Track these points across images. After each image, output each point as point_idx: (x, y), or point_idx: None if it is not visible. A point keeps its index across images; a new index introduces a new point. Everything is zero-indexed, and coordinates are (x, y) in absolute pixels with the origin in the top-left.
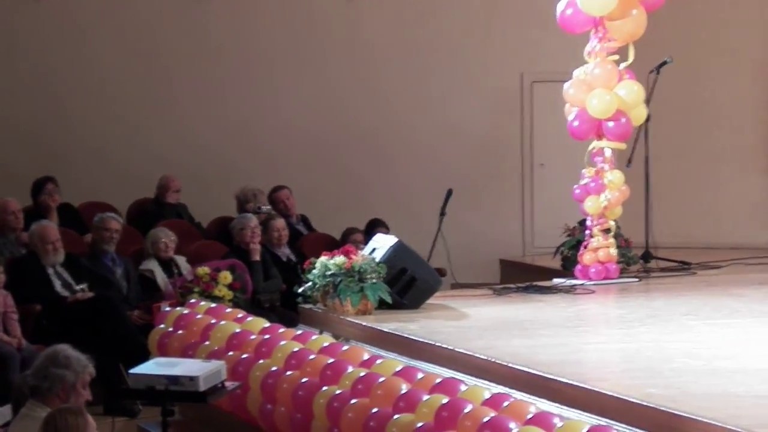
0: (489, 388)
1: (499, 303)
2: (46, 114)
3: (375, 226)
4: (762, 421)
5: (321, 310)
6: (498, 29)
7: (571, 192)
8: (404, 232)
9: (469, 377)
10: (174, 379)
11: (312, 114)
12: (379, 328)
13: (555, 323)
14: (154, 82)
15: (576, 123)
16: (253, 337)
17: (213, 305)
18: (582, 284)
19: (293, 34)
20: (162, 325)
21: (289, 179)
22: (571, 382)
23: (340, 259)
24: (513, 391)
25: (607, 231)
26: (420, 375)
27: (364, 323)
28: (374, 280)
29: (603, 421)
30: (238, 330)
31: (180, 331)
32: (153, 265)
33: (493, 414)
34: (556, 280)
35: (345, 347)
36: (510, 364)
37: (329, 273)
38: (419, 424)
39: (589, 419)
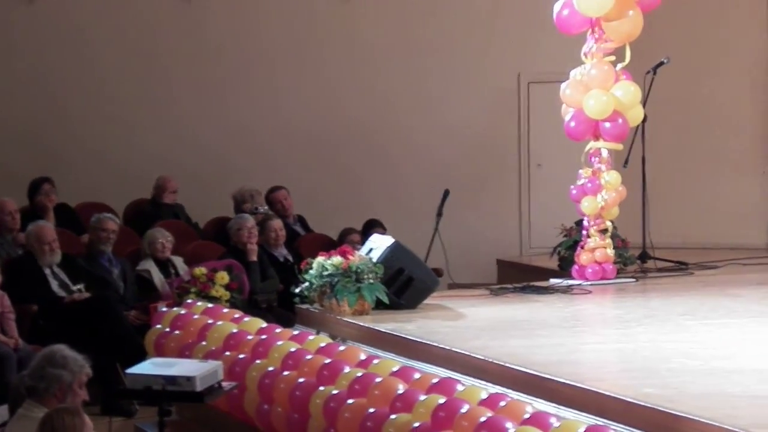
0: (486, 388)
1: (496, 303)
2: (43, 114)
3: (372, 227)
4: (759, 421)
5: (318, 311)
6: (495, 30)
7: (568, 192)
8: (402, 232)
9: (466, 377)
10: (171, 379)
11: (311, 114)
12: (376, 328)
13: (552, 323)
14: (152, 82)
15: (573, 123)
16: (250, 337)
17: (210, 305)
18: (579, 284)
19: (292, 34)
20: (159, 326)
21: (288, 179)
22: (568, 382)
23: (337, 259)
24: (510, 391)
25: (604, 231)
26: (417, 375)
27: (361, 323)
28: (371, 281)
29: (600, 421)
30: (235, 330)
31: (177, 332)
32: (150, 266)
33: (489, 414)
34: (553, 281)
35: (342, 347)
36: (507, 364)
37: (326, 273)
38: (416, 424)
39: (586, 419)
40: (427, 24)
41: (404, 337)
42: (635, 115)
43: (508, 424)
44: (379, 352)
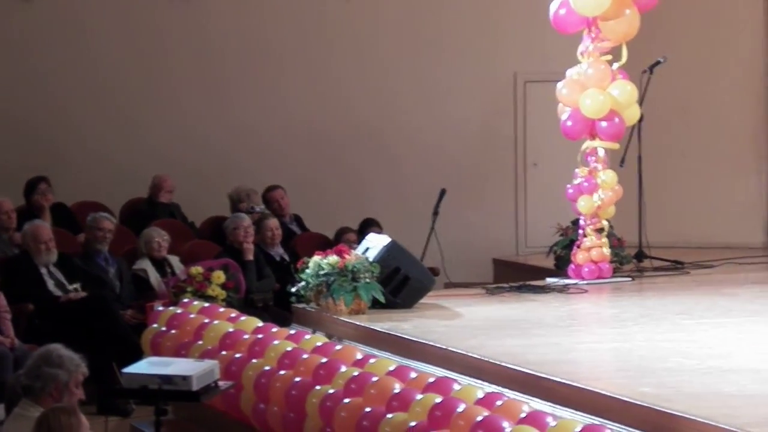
0: (482, 388)
1: (492, 302)
2: (40, 113)
3: (368, 226)
4: (755, 420)
5: (314, 310)
6: (491, 29)
7: (564, 191)
8: (400, 231)
9: (462, 376)
10: (167, 379)
11: (314, 112)
12: (372, 327)
13: (548, 323)
14: (154, 80)
15: (569, 123)
16: (246, 336)
17: (206, 305)
18: (575, 284)
19: (296, 33)
20: (155, 325)
21: (291, 178)
22: (564, 381)
23: (333, 258)
24: (506, 390)
25: (600, 230)
26: (413, 374)
27: (357, 323)
28: (367, 280)
29: (596, 421)
30: (231, 329)
31: (173, 331)
32: (146, 265)
33: (486, 413)
34: (549, 280)
35: (338, 347)
36: (503, 364)
37: (322, 272)
38: (412, 424)
39: (583, 418)
40: (424, 23)
41: (400, 337)
42: (631, 114)
43: (505, 424)
44: (376, 352)
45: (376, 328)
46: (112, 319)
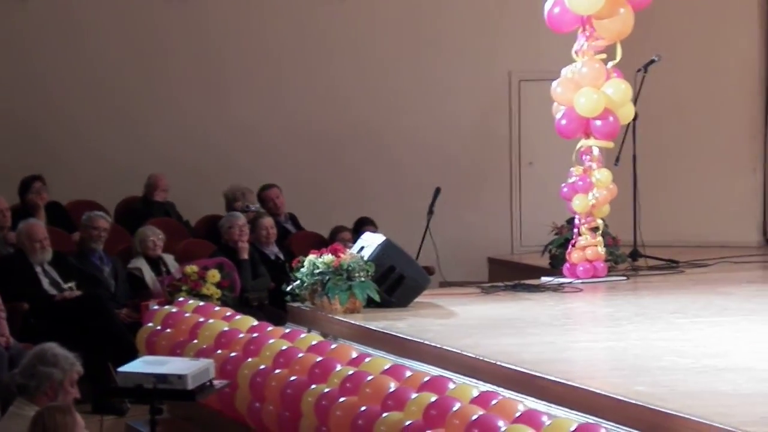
0: (477, 387)
1: (487, 301)
2: (37, 112)
3: (363, 225)
4: (750, 419)
5: (309, 309)
6: (486, 28)
7: (559, 190)
8: (397, 230)
9: (457, 375)
10: (162, 378)
11: (312, 111)
12: (367, 326)
13: (543, 321)
14: (152, 79)
15: (564, 121)
16: (241, 335)
17: (201, 303)
18: (570, 282)
19: (294, 32)
20: (150, 324)
21: (290, 177)
22: (559, 380)
23: (328, 257)
24: (501, 389)
25: (595, 229)
26: (408, 373)
27: (352, 321)
28: (362, 279)
29: (591, 419)
30: (226, 328)
31: (168, 330)
32: (141, 264)
33: (481, 412)
34: (544, 279)
35: (333, 345)
36: (498, 363)
37: (317, 271)
38: (407, 423)
39: (578, 417)
40: (420, 23)
41: (395, 336)
42: (626, 113)
43: (500, 422)
44: (371, 351)
45: (371, 327)
46: (107, 318)
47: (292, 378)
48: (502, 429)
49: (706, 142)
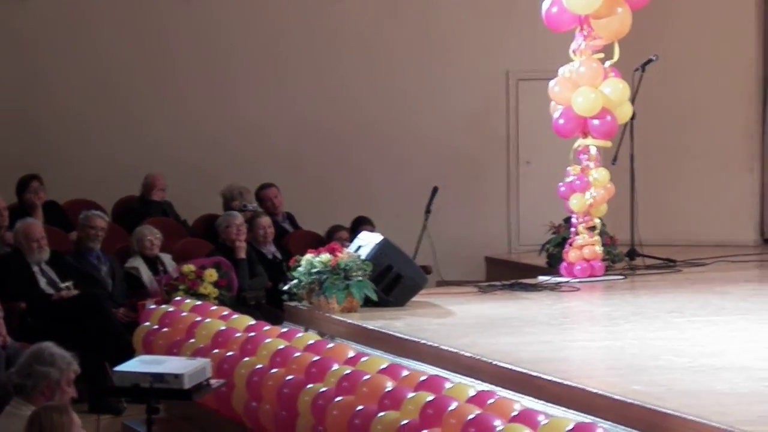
0: (474, 386)
1: (484, 300)
2: (41, 111)
3: (360, 224)
4: (747, 418)
5: (306, 308)
6: (483, 27)
7: (556, 190)
8: (396, 229)
9: (454, 375)
10: (159, 377)
11: (319, 110)
12: (364, 325)
13: (540, 321)
14: (159, 78)
15: (561, 121)
16: (238, 334)
17: (198, 303)
18: (567, 282)
19: (301, 30)
20: (147, 323)
21: (290, 176)
22: (556, 379)
23: (325, 256)
24: (498, 388)
25: (592, 228)
26: (405, 372)
27: (349, 321)
28: (360, 278)
29: (588, 419)
30: (223, 327)
31: (165, 329)
32: (138, 263)
33: (478, 411)
34: (542, 278)
35: (330, 345)
36: (495, 362)
37: (315, 270)
38: (404, 422)
39: (575, 416)
40: (415, 22)
41: (392, 335)
42: (624, 112)
43: (497, 422)
44: (368, 350)
45: (368, 326)
46: (105, 318)
47: (289, 377)
48: (499, 428)
49: (703, 141)
